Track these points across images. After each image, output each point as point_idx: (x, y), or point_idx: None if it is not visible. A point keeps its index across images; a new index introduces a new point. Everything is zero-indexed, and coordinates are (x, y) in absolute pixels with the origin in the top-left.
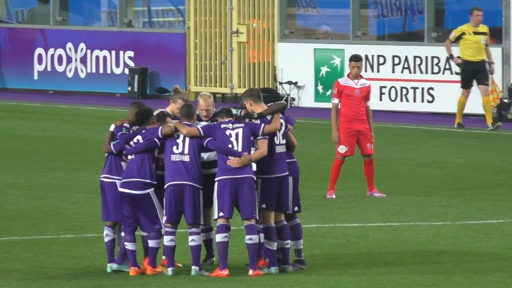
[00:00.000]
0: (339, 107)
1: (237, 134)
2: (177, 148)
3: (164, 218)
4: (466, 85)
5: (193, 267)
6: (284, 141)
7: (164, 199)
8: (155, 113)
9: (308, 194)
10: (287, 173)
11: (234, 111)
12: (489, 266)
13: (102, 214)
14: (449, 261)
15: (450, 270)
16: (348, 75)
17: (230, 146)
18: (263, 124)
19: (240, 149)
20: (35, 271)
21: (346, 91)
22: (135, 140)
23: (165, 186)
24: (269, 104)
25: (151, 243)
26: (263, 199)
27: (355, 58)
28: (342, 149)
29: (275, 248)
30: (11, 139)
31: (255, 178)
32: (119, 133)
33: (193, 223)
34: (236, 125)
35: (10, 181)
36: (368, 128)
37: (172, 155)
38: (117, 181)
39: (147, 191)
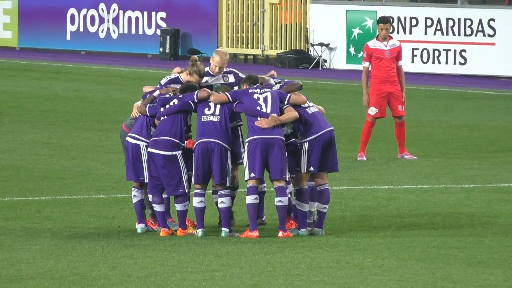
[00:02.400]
0: (369, 70)
1: (265, 98)
2: (209, 110)
3: (193, 180)
4: None
5: (223, 228)
6: (312, 103)
7: (193, 159)
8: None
9: (339, 156)
10: (332, 128)
11: (273, 81)
12: None
13: (126, 173)
14: (480, 223)
15: (481, 233)
16: (377, 37)
17: (258, 108)
18: (289, 94)
19: (269, 111)
20: (67, 231)
21: (376, 54)
22: (171, 103)
23: (194, 146)
24: (286, 81)
25: (178, 206)
26: (309, 162)
27: (384, 20)
28: (372, 111)
29: (306, 210)
30: (44, 100)
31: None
32: (159, 96)
33: (220, 184)
34: (264, 89)
35: (43, 141)
36: (400, 89)
37: (203, 116)
38: (141, 143)
39: (175, 152)
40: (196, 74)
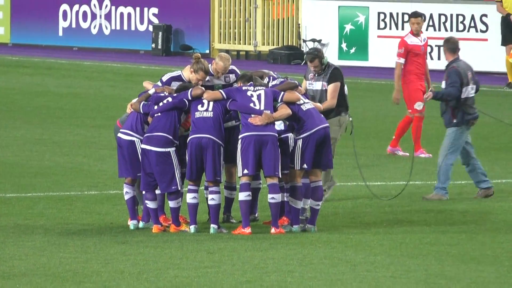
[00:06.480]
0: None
1: (259, 95)
2: (202, 106)
3: (186, 176)
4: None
5: (212, 225)
6: (307, 100)
7: (187, 155)
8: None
9: None
10: (327, 124)
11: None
12: None
13: (118, 170)
14: (473, 220)
15: (474, 230)
16: (411, 32)
17: (252, 105)
18: (283, 92)
19: (262, 108)
20: (59, 227)
21: (415, 50)
22: (164, 101)
23: (188, 140)
24: (281, 81)
25: (171, 203)
26: (303, 159)
27: (414, 14)
28: (419, 105)
29: (300, 207)
30: (36, 96)
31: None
32: (153, 94)
33: (213, 181)
34: (258, 87)
35: (35, 137)
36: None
37: (196, 112)
38: (135, 139)
39: (168, 149)
40: (202, 71)
